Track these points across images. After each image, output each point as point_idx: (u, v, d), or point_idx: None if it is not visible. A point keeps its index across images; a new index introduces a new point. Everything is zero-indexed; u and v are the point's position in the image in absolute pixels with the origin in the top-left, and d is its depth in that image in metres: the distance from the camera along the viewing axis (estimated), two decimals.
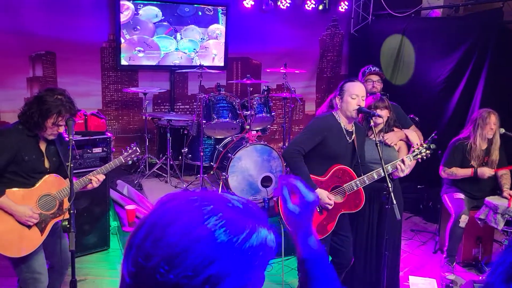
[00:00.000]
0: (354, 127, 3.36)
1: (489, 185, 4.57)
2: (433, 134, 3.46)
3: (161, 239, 0.75)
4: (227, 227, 0.77)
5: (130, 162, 3.36)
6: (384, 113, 3.54)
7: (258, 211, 0.85)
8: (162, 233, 0.76)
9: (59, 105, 2.80)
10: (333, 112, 3.35)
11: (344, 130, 3.29)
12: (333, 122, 3.30)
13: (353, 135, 3.34)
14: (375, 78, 4.19)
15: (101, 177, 3.10)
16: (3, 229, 2.82)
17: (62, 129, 2.91)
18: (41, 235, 2.95)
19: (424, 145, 3.37)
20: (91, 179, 3.06)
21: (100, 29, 6.21)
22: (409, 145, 3.68)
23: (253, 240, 0.79)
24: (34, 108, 2.81)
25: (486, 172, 4.39)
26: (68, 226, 2.51)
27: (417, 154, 3.35)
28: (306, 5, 7.22)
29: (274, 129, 7.49)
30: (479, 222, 4.38)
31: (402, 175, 3.32)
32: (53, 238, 3.07)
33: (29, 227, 2.89)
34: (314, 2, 7.23)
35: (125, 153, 3.34)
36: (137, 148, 3.38)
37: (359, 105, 3.22)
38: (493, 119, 4.44)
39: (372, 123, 3.31)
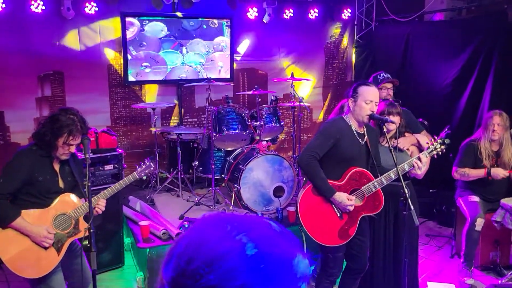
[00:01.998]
0: (365, 129, 3.36)
1: (504, 186, 4.53)
2: (446, 129, 3.42)
3: (202, 244, 0.81)
4: (262, 243, 0.82)
5: (144, 177, 3.36)
6: (397, 119, 3.54)
7: (294, 236, 0.89)
8: (203, 240, 0.82)
9: (70, 124, 2.85)
10: (343, 116, 3.35)
11: (355, 132, 3.29)
12: (343, 125, 3.29)
13: (365, 137, 3.34)
14: (389, 85, 4.21)
15: (102, 202, 3.09)
16: (20, 250, 2.84)
17: (73, 149, 2.93)
18: (58, 255, 2.95)
19: (439, 141, 3.34)
20: (98, 202, 3.05)
21: (106, 46, 6.26)
22: (421, 150, 3.66)
23: (287, 260, 0.83)
24: (47, 126, 2.87)
25: (501, 173, 4.33)
26: (89, 245, 2.52)
27: (432, 150, 3.33)
28: (309, 14, 7.25)
29: (283, 139, 7.49)
30: (495, 224, 4.33)
31: (419, 172, 3.30)
32: (71, 258, 3.08)
33: (45, 248, 2.89)
34: (317, 11, 7.26)
35: (139, 169, 3.35)
36: (151, 163, 3.38)
37: (372, 111, 3.21)
38: (496, 120, 4.39)
39: (385, 129, 3.31)
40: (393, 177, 3.26)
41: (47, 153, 2.91)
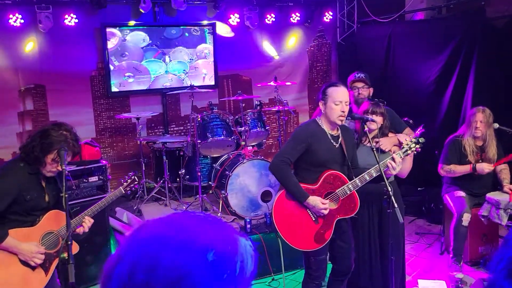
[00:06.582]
0: (339, 131, 3.32)
1: (489, 181, 4.55)
2: (421, 127, 3.40)
3: (155, 268, 0.74)
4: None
5: (129, 191, 3.26)
6: (379, 119, 3.52)
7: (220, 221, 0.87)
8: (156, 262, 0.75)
9: (62, 141, 2.68)
10: (316, 118, 3.32)
11: (328, 135, 3.24)
12: (315, 128, 3.25)
13: (340, 139, 3.29)
14: (359, 84, 4.06)
15: (89, 221, 2.91)
16: (5, 274, 2.68)
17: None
18: (46, 276, 2.81)
19: (413, 140, 3.30)
20: (83, 221, 2.89)
21: (88, 58, 6.22)
22: None
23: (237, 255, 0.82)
24: (37, 141, 2.70)
25: (485, 167, 4.35)
26: (66, 258, 2.45)
27: (406, 150, 3.28)
28: (291, 18, 7.27)
29: (270, 143, 7.47)
30: (482, 219, 4.35)
31: (394, 173, 3.26)
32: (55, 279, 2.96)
33: (33, 268, 2.74)
34: (298, 15, 7.28)
35: (124, 184, 3.20)
36: (135, 177, 3.25)
37: (343, 111, 3.16)
38: (479, 117, 4.40)
39: (366, 129, 3.30)
40: (367, 178, 3.21)
41: (35, 170, 2.75)
